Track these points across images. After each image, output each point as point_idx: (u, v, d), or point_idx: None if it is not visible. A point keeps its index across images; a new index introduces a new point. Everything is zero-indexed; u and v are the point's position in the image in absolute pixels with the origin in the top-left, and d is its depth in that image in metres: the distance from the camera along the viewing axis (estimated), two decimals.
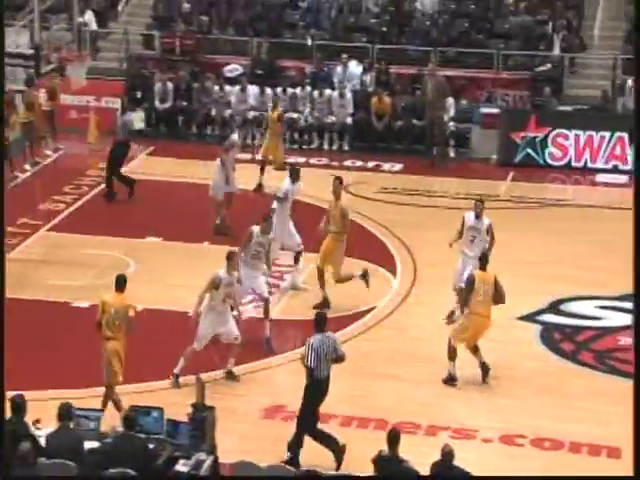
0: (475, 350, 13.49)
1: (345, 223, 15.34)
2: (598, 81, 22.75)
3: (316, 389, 11.71)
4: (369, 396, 13.12)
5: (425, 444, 11.76)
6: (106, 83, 23.05)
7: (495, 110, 22.21)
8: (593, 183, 20.72)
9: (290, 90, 22.67)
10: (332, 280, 15.48)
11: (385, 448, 10.04)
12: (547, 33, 23.44)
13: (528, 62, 23.07)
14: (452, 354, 13.43)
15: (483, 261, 13.46)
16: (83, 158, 21.56)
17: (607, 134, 20.91)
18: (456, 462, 9.78)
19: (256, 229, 14.60)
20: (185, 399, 11.58)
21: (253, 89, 22.69)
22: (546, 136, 21.21)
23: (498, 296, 13.28)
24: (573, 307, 15.47)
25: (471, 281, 13.27)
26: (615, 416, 12.28)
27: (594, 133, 21.02)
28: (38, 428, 10.63)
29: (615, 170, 20.73)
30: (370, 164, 21.38)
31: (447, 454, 9.80)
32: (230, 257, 13.55)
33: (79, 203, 19.00)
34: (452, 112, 21.68)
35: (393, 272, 16.37)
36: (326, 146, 22.32)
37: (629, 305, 14.22)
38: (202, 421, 10.86)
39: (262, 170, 19.42)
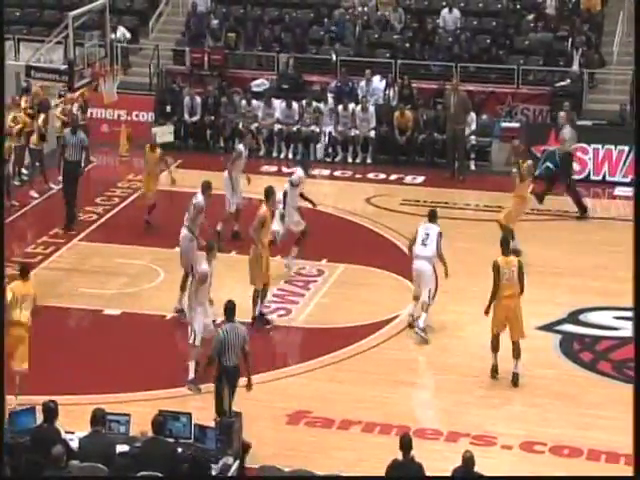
0: (516, 353, 13.74)
1: None
2: (617, 96, 23.02)
3: (222, 377, 12.02)
4: (391, 403, 13.38)
5: (446, 450, 12.03)
6: (137, 97, 23.56)
7: (515, 124, 22.52)
8: (611, 196, 20.99)
9: (314, 104, 23.09)
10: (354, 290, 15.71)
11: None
12: (567, 49, 23.73)
13: (548, 77, 23.37)
14: (493, 345, 13.79)
15: (505, 246, 13.87)
16: (114, 170, 22.07)
17: (625, 148, 21.19)
18: (476, 468, 10.00)
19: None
20: (213, 405, 11.88)
21: (279, 103, 23.13)
22: None
23: (521, 281, 13.68)
24: (592, 317, 15.68)
25: (497, 268, 13.65)
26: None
27: (612, 147, 21.33)
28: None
29: (633, 183, 20.97)
30: (392, 177, 21.68)
31: (468, 460, 10.00)
32: (210, 247, 13.97)
33: (111, 214, 19.38)
34: (473, 126, 22.03)
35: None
36: (350, 159, 22.72)
37: None
38: (229, 426, 11.18)
39: None
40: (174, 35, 25.78)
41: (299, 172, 17.28)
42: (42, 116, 20.16)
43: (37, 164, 20.40)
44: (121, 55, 23.19)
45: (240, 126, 23.00)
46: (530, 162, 17.88)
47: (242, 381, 12.35)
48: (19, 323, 12.78)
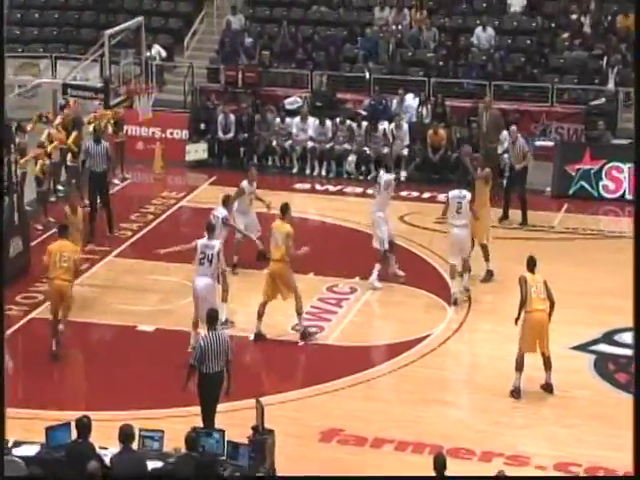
0: (548, 365, 13.77)
1: None
2: None
3: (203, 384, 12.12)
4: (424, 422, 13.35)
5: (480, 470, 11.95)
6: (171, 115, 23.73)
7: (549, 143, 22.45)
8: None
9: (348, 122, 23.14)
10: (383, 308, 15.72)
11: None
12: (602, 67, 23.66)
13: (583, 96, 23.31)
14: (518, 364, 13.76)
15: (531, 264, 13.88)
16: (149, 187, 22.21)
17: None
18: None
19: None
20: (246, 422, 11.88)
21: (313, 121, 23.21)
22: (600, 169, 21.41)
23: (551, 296, 13.71)
24: (627, 338, 15.51)
25: (525, 282, 13.69)
26: None
27: None
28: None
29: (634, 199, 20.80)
30: (426, 195, 21.67)
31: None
32: (210, 228, 14.71)
33: (145, 230, 19.52)
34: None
35: (448, 301, 16.64)
36: None
37: None
38: (262, 443, 11.20)
39: None
40: (208, 53, 25.98)
41: (385, 176, 17.30)
42: (74, 133, 20.35)
43: (73, 181, 20.57)
44: (156, 73, 23.38)
45: (274, 144, 23.11)
46: (488, 170, 17.71)
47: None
48: (58, 277, 14.48)
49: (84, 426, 10.56)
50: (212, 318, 12.49)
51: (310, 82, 24.37)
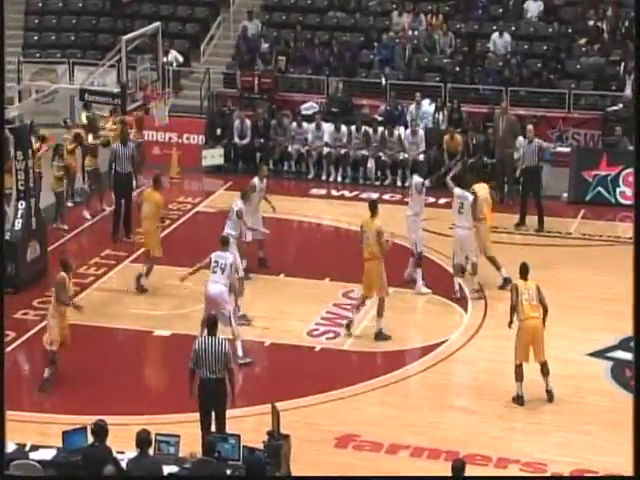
0: (545, 371, 13.73)
1: None
2: None
3: (198, 389, 12.07)
4: (440, 428, 13.35)
5: (496, 476, 12.00)
6: (187, 120, 23.76)
7: (566, 149, 22.41)
8: None
9: (363, 128, 23.14)
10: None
11: None
12: (619, 73, 23.58)
13: (600, 102, 23.25)
14: (517, 374, 13.74)
15: (523, 272, 13.91)
16: (165, 192, 22.14)
17: None
18: None
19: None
20: (261, 427, 11.91)
21: (328, 127, 23.22)
22: (617, 175, 21.35)
23: (543, 301, 13.70)
24: None
25: (516, 289, 13.74)
26: None
27: None
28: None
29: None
30: (442, 200, 21.61)
31: None
32: (224, 242, 14.87)
33: (161, 236, 19.50)
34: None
35: (464, 306, 16.63)
36: (399, 182, 22.72)
37: None
38: (277, 449, 11.23)
39: None
40: (225, 59, 26.02)
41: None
42: (90, 136, 20.47)
43: (93, 186, 20.67)
44: (172, 78, 23.46)
45: (289, 149, 23.13)
46: (482, 192, 17.41)
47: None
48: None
49: (101, 430, 10.59)
50: (211, 323, 12.45)
51: (326, 88, 24.38)
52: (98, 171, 20.54)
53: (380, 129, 23.03)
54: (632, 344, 15.34)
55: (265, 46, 25.47)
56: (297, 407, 13.57)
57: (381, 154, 22.81)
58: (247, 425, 12.71)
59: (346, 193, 22.24)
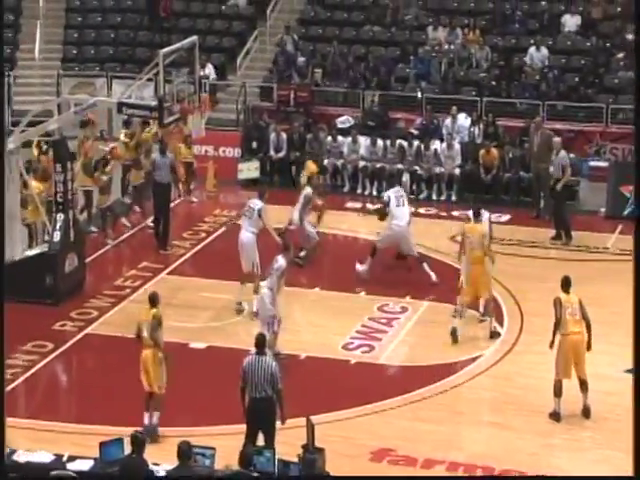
0: (584, 387, 13.64)
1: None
2: None
3: (248, 408, 12.05)
4: (475, 443, 13.30)
5: None
6: (224, 134, 23.86)
7: (604, 163, 22.29)
8: None
9: (399, 141, 23.15)
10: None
11: None
12: None
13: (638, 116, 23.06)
14: (556, 390, 13.64)
15: (565, 285, 13.76)
16: (201, 205, 22.34)
17: None
18: None
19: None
20: (296, 440, 11.88)
21: (364, 140, 23.24)
22: None
23: (586, 316, 13.59)
24: None
25: (559, 303, 13.59)
26: None
27: None
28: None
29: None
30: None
31: None
32: (287, 247, 15.31)
33: (197, 248, 19.62)
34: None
35: (500, 321, 16.54)
36: (434, 196, 22.69)
37: None
38: (312, 462, 11.19)
39: None
40: (261, 72, 26.15)
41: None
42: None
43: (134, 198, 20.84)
44: (209, 92, 23.58)
45: (325, 162, 23.18)
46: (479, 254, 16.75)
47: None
48: (144, 346, 13.24)
49: (138, 441, 10.60)
50: (260, 342, 12.42)
51: (362, 101, 24.41)
52: (144, 185, 20.65)
53: (416, 143, 23.04)
54: None
55: (301, 60, 25.56)
56: (332, 421, 13.53)
57: (417, 168, 22.80)
58: (282, 438, 12.64)
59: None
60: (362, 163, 23.03)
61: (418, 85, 24.55)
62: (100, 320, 16.53)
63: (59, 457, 11.44)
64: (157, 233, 19.38)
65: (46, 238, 17.57)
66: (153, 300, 13.48)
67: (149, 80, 19.67)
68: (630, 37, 24.42)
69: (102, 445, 11.25)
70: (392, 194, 18.17)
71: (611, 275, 18.04)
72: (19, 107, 24.88)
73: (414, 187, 22.76)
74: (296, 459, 11.24)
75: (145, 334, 13.19)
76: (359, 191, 22.93)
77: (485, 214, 16.76)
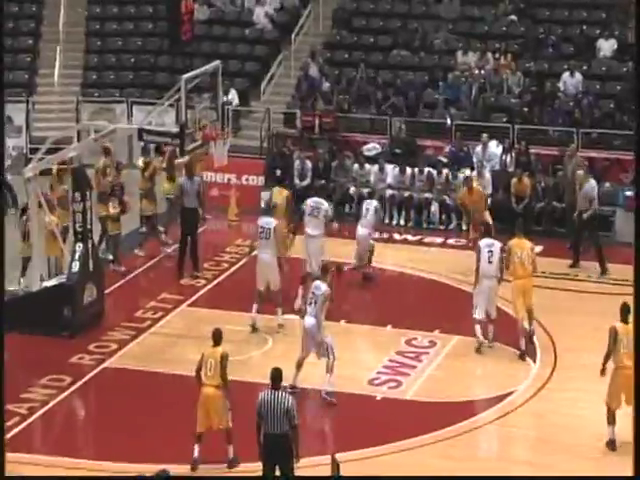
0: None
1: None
2: None
3: (263, 444, 11.70)
4: None
5: None
6: (247, 161, 23.41)
7: None
8: None
9: (427, 170, 22.60)
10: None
11: None
12: None
13: None
14: (610, 418, 13.31)
15: (624, 313, 13.21)
16: (223, 234, 21.88)
17: None
18: None
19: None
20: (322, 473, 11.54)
21: (391, 168, 22.71)
22: None
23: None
24: None
25: (615, 334, 13.22)
26: None
27: None
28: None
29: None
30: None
31: None
32: (325, 270, 15.05)
33: (219, 279, 19.15)
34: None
35: (533, 357, 15.98)
36: (464, 227, 22.07)
37: None
38: None
39: None
40: (285, 98, 25.68)
41: None
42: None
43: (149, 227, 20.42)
44: (232, 118, 23.18)
45: (351, 191, 22.64)
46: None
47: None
48: (206, 384, 13.00)
49: None
50: (275, 377, 11.99)
51: (389, 128, 23.90)
52: (155, 215, 20.24)
53: (445, 171, 22.50)
54: None
55: (326, 85, 25.11)
56: (358, 459, 13.10)
57: (445, 197, 22.24)
58: (307, 472, 12.20)
59: (409, 237, 21.69)
60: (389, 192, 22.49)
61: (447, 111, 24.02)
62: (119, 353, 16.08)
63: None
64: (180, 260, 18.89)
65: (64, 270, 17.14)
66: (218, 337, 13.23)
67: (170, 106, 19.30)
68: None
69: None
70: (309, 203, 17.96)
71: None
72: (38, 134, 24.62)
73: (443, 217, 22.18)
74: None
75: (210, 372, 12.94)
76: (386, 221, 22.32)
77: (497, 244, 16.42)
